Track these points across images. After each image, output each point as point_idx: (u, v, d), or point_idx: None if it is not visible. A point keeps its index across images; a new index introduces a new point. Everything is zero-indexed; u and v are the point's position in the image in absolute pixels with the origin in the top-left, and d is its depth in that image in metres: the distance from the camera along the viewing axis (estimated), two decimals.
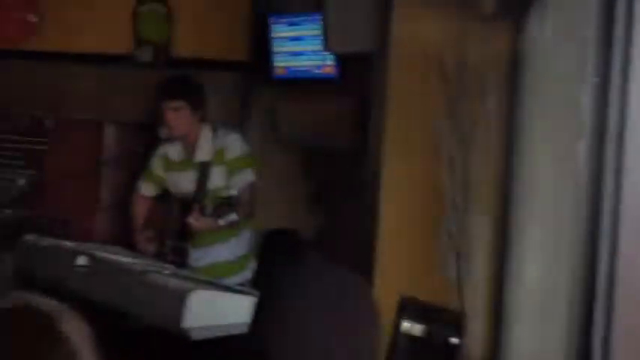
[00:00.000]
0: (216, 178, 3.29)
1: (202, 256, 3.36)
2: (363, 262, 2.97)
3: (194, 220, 3.01)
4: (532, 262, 2.35)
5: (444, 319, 1.96)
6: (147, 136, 3.73)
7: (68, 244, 3.00)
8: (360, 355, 1.15)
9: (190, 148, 3.33)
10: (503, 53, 2.65)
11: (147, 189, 3.51)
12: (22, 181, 4.48)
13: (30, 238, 3.14)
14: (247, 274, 3.47)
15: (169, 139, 3.36)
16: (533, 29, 2.46)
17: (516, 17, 2.59)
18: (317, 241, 4.28)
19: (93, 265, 2.60)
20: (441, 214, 2.81)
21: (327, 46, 3.03)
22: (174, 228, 3.36)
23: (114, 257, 2.71)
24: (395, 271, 2.92)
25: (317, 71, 3.90)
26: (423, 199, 2.90)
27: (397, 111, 2.82)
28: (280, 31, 3.96)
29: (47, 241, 3.04)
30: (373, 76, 2.90)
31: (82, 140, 4.35)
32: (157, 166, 3.42)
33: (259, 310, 1.18)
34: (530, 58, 2.51)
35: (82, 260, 2.66)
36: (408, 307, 1.95)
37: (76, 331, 0.75)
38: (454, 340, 1.82)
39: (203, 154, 3.30)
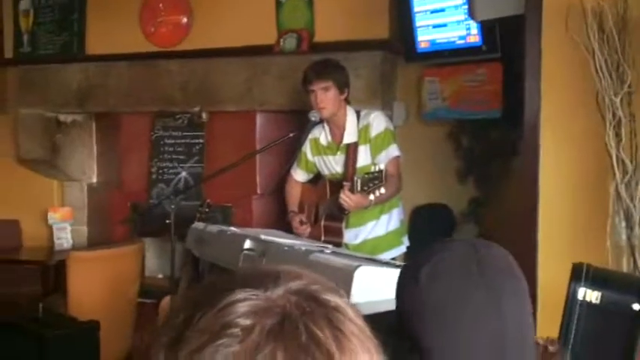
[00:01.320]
0: (363, 157, 3.34)
1: (356, 235, 3.43)
2: (525, 231, 2.90)
3: (345, 197, 3.06)
4: None
5: (622, 285, 1.86)
6: (297, 122, 3.83)
7: (233, 229, 3.17)
8: (523, 327, 1.11)
9: (338, 131, 3.40)
10: None
11: (300, 174, 3.62)
12: (184, 174, 4.77)
13: (198, 226, 3.36)
14: (401, 248, 3.50)
15: (319, 123, 3.44)
16: None
17: None
18: (471, 213, 4.23)
19: (259, 247, 2.72)
20: (607, 177, 2.67)
21: (472, 14, 2.95)
22: (327, 209, 3.44)
23: (277, 240, 2.82)
24: (559, 237, 2.83)
25: (461, 41, 3.81)
26: (586, 162, 2.78)
27: (553, 74, 2.71)
28: (422, 4, 3.90)
29: (214, 228, 3.23)
30: (523, 40, 2.79)
31: (236, 132, 4.55)
32: (308, 151, 3.52)
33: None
34: None
35: (248, 244, 2.79)
36: (583, 274, 1.87)
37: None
38: (637, 307, 1.72)
39: (350, 136, 3.36)
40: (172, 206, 3.48)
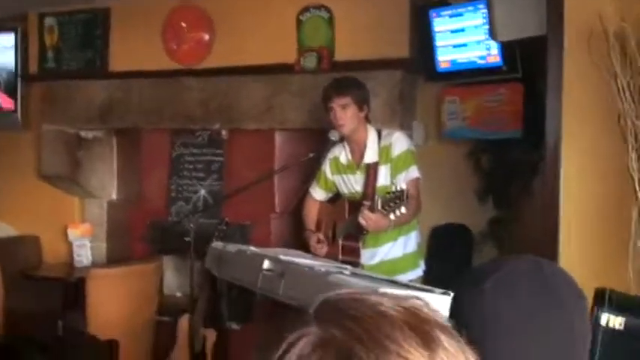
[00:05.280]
0: (383, 177, 3.33)
1: (372, 255, 3.41)
2: (544, 253, 2.87)
3: (365, 220, 3.04)
4: None
5: None
6: (317, 141, 3.83)
7: (252, 249, 3.17)
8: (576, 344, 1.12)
9: (358, 150, 3.39)
10: None
11: (319, 193, 3.62)
12: (203, 192, 4.78)
13: (218, 245, 3.36)
14: (418, 271, 3.47)
15: (339, 142, 3.44)
16: None
17: None
18: (491, 233, 4.20)
19: (279, 268, 2.72)
20: (629, 200, 2.64)
21: (493, 35, 2.95)
22: (346, 228, 3.42)
23: (296, 260, 2.82)
24: (580, 261, 2.79)
25: (481, 61, 3.80)
26: (608, 185, 2.75)
27: (575, 95, 2.69)
28: (442, 24, 3.91)
29: (233, 247, 3.23)
30: (545, 61, 2.78)
31: (255, 149, 4.56)
32: (327, 170, 3.52)
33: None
34: None
35: (268, 264, 2.79)
36: (606, 299, 1.84)
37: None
38: None
39: (371, 155, 3.35)
40: (192, 225, 3.50)
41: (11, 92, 5.43)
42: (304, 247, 3.58)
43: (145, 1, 4.77)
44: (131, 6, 4.85)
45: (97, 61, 4.97)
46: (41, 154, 5.22)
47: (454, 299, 1.17)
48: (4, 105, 5.50)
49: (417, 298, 0.74)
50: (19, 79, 5.37)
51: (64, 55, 5.11)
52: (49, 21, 5.15)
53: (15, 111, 5.43)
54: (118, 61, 4.94)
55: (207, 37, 4.61)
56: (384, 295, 0.73)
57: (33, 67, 5.26)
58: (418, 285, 2.68)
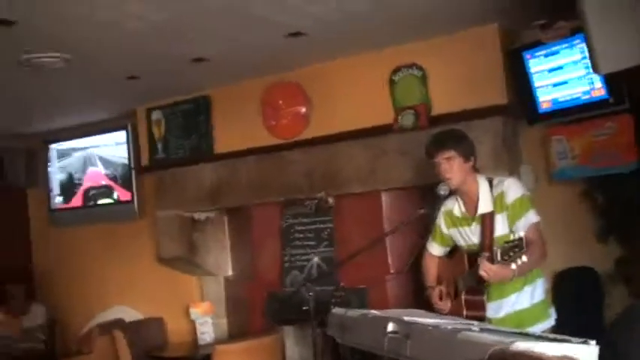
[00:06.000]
0: (501, 226, 3.24)
1: (499, 308, 3.29)
2: None
3: (486, 269, 2.96)
4: None
5: None
6: (424, 196, 3.80)
7: (374, 312, 3.13)
8: None
9: (471, 202, 3.34)
10: None
11: (436, 248, 3.56)
12: (316, 259, 4.82)
13: (339, 311, 3.34)
14: (549, 322, 3.31)
15: (449, 196, 3.40)
16: None
17: None
18: (619, 274, 3.98)
19: (404, 329, 2.67)
20: None
21: (596, 68, 2.87)
22: (467, 281, 3.34)
23: (421, 320, 2.76)
24: None
25: (585, 96, 3.70)
26: None
27: None
28: (538, 64, 3.85)
29: (355, 313, 3.21)
30: None
31: (363, 213, 4.58)
32: (442, 224, 3.47)
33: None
34: None
35: (392, 326, 2.75)
36: None
37: None
38: None
39: (485, 205, 3.28)
40: (310, 293, 3.52)
41: (127, 185, 5.76)
42: (424, 305, 3.51)
43: (240, 83, 4.98)
44: (229, 90, 5.08)
45: (203, 146, 5.20)
46: (158, 239, 5.44)
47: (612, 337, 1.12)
48: (122, 198, 5.83)
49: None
50: (132, 172, 5.69)
51: (172, 144, 5.39)
52: (155, 114, 5.47)
53: (132, 201, 5.74)
54: (222, 144, 5.15)
55: (303, 109, 4.74)
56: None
57: (144, 159, 5.57)
58: (553, 336, 2.56)
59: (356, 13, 3.61)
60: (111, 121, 5.85)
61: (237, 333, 5.24)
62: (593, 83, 3.64)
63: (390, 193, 4.51)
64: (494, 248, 2.95)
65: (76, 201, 6.15)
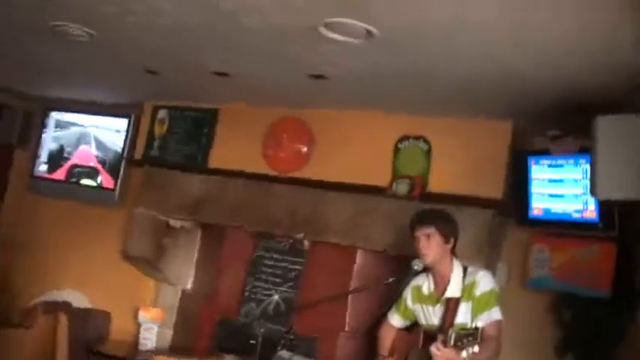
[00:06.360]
0: (463, 314, 3.26)
1: None
2: None
3: (436, 350, 2.99)
4: None
5: None
6: (397, 266, 3.82)
7: None
8: None
9: (442, 283, 3.36)
10: None
11: (397, 319, 3.57)
12: (277, 297, 4.80)
13: (284, 354, 3.34)
14: None
15: (422, 272, 3.42)
16: None
17: None
18: None
19: None
20: None
21: (594, 192, 2.93)
22: (418, 358, 3.34)
23: None
24: None
25: (577, 214, 3.76)
26: None
27: None
28: (540, 172, 3.92)
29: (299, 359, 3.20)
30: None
31: (335, 264, 4.59)
32: (409, 297, 3.49)
33: None
34: None
35: None
36: None
37: None
38: None
39: (453, 290, 3.30)
40: (261, 329, 3.50)
41: (114, 172, 5.74)
42: None
43: (252, 106, 5.02)
44: (239, 110, 5.10)
45: (199, 157, 5.21)
46: (129, 235, 5.40)
47: None
48: (105, 184, 5.80)
49: None
50: (123, 162, 5.68)
51: (170, 145, 5.39)
52: (161, 113, 5.48)
53: (113, 190, 5.72)
54: (217, 159, 5.15)
55: (305, 149, 4.77)
56: None
57: (138, 153, 5.56)
58: None
59: (381, 71, 3.65)
60: (116, 107, 5.85)
61: (179, 348, 5.17)
62: (587, 204, 3.71)
63: (366, 253, 4.52)
64: (450, 332, 2.98)
65: (60, 174, 6.11)
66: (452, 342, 2.92)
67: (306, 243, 4.70)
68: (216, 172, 5.10)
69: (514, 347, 3.91)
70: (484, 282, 3.27)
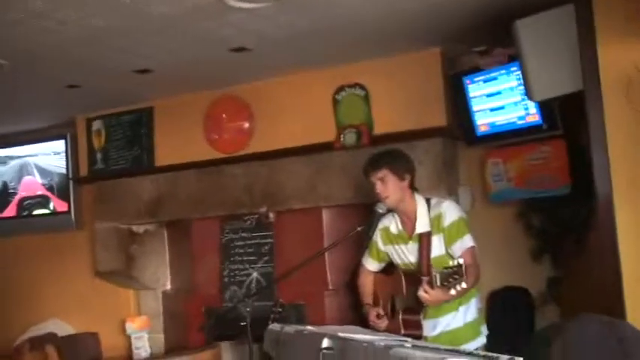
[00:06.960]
0: (437, 247, 3.29)
1: (434, 326, 3.34)
2: (610, 307, 2.79)
3: (424, 293, 3.02)
4: None
5: None
6: (364, 214, 3.84)
7: (310, 328, 3.14)
8: None
9: (409, 220, 3.39)
10: None
11: (372, 264, 3.60)
12: (255, 275, 4.81)
13: (275, 327, 3.33)
14: (481, 339, 3.38)
15: (387, 213, 3.44)
16: None
17: None
18: (550, 293, 4.10)
19: (338, 345, 2.69)
20: None
21: (530, 95, 2.97)
22: (405, 302, 3.38)
23: (356, 336, 2.78)
24: None
25: (521, 121, 3.82)
26: None
27: (620, 146, 2.68)
28: (477, 89, 3.96)
29: (291, 329, 3.21)
30: (585, 116, 2.78)
31: (304, 229, 4.59)
32: (379, 240, 3.51)
33: None
34: None
35: (327, 342, 2.76)
36: None
37: None
38: None
39: (422, 225, 3.33)
40: (248, 309, 3.50)
41: (64, 195, 5.64)
42: (361, 322, 3.54)
43: (185, 95, 4.95)
44: (172, 102, 5.03)
45: (144, 158, 5.14)
46: (96, 252, 5.33)
47: None
48: (58, 208, 5.69)
49: None
50: (70, 182, 5.57)
51: (112, 155, 5.30)
52: (96, 124, 5.37)
53: (68, 212, 5.62)
54: (163, 156, 5.09)
55: (247, 124, 4.74)
56: None
57: (83, 170, 5.46)
58: (483, 353, 2.62)
59: (299, 31, 3.64)
60: (49, 130, 5.72)
61: (173, 348, 5.16)
62: (528, 109, 3.77)
63: (330, 209, 4.54)
64: (434, 273, 3.01)
65: (10, 211, 5.97)
66: (438, 282, 2.95)
67: (271, 215, 4.70)
68: (166, 169, 5.05)
69: (493, 264, 4.00)
70: (450, 212, 3.30)
